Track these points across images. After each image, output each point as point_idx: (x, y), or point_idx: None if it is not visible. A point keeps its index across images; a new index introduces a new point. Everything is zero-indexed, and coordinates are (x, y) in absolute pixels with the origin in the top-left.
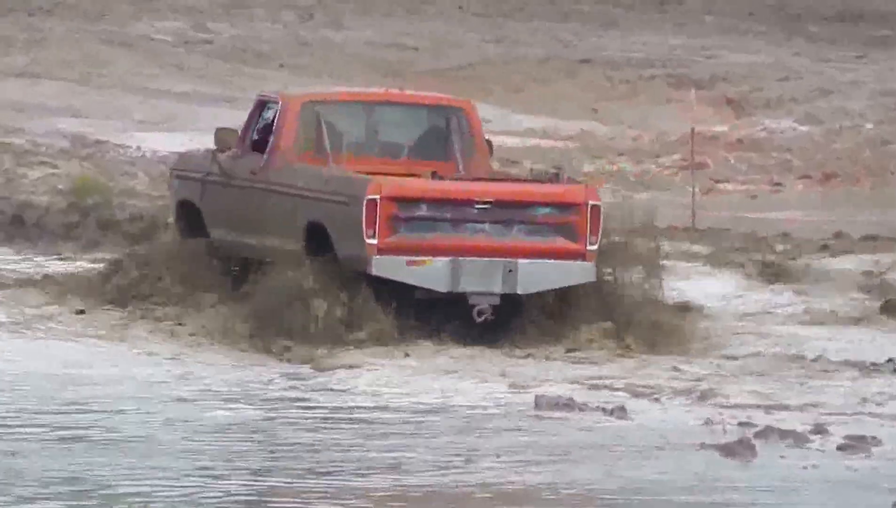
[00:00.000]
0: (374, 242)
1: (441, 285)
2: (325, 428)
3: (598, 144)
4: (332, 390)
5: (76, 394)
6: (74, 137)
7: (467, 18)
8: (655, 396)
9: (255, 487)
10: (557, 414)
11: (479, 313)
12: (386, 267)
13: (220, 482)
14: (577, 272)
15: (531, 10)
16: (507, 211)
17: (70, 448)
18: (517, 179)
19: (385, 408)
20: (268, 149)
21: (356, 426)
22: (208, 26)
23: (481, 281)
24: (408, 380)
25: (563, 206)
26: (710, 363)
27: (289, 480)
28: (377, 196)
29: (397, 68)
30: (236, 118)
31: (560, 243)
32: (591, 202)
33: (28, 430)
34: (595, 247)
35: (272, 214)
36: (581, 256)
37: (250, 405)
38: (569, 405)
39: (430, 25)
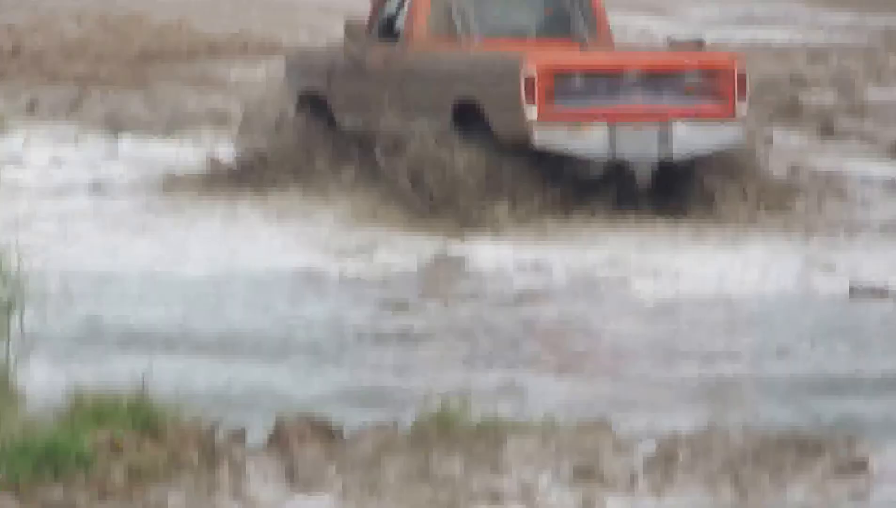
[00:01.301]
0: (534, 114)
1: (601, 152)
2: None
3: None
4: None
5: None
6: None
7: None
8: None
9: None
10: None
11: (639, 179)
12: (547, 138)
13: None
14: (728, 134)
15: None
16: (659, 79)
17: None
18: (659, 49)
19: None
20: (402, 35)
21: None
22: None
23: (638, 146)
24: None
25: (711, 71)
26: None
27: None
28: (535, 70)
29: None
30: None
31: (709, 106)
32: (737, 67)
33: None
34: (744, 111)
35: (415, 96)
36: (731, 117)
37: None
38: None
39: None
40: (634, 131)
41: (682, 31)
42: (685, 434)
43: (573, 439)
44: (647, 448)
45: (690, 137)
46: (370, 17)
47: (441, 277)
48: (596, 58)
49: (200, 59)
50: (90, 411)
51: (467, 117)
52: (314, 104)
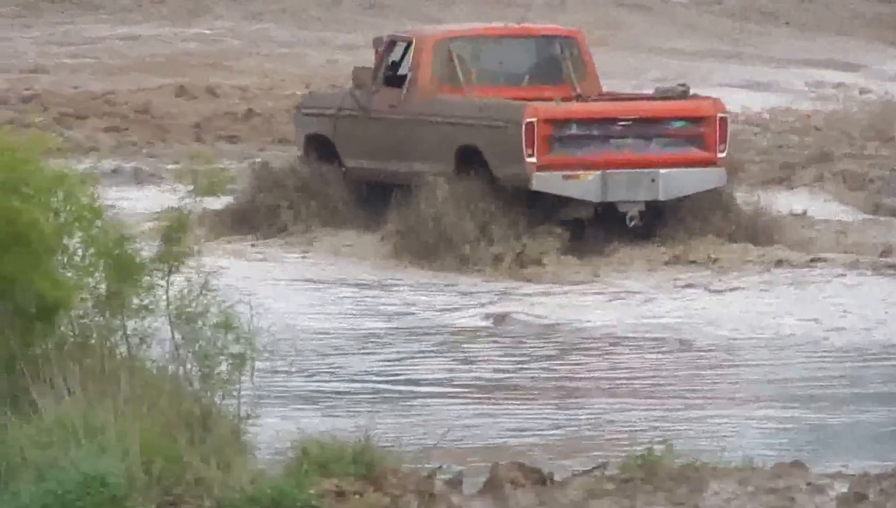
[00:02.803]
0: (534, 160)
1: (593, 196)
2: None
3: None
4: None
5: None
6: None
7: None
8: None
9: None
10: None
11: (630, 219)
12: (545, 182)
13: None
14: (710, 178)
15: None
16: (647, 126)
17: None
18: (650, 97)
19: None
20: (406, 83)
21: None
22: None
23: (628, 191)
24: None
25: (696, 119)
26: None
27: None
28: (535, 119)
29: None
30: (742, 74)
31: (694, 152)
32: (719, 114)
33: None
34: (724, 154)
35: (419, 141)
36: (713, 163)
37: None
38: None
39: None
40: (625, 177)
41: (874, 86)
42: (875, 474)
43: (769, 481)
44: (840, 488)
45: (676, 181)
46: (375, 64)
47: (566, 329)
48: (590, 108)
49: None
50: (315, 460)
51: (469, 162)
52: (321, 146)
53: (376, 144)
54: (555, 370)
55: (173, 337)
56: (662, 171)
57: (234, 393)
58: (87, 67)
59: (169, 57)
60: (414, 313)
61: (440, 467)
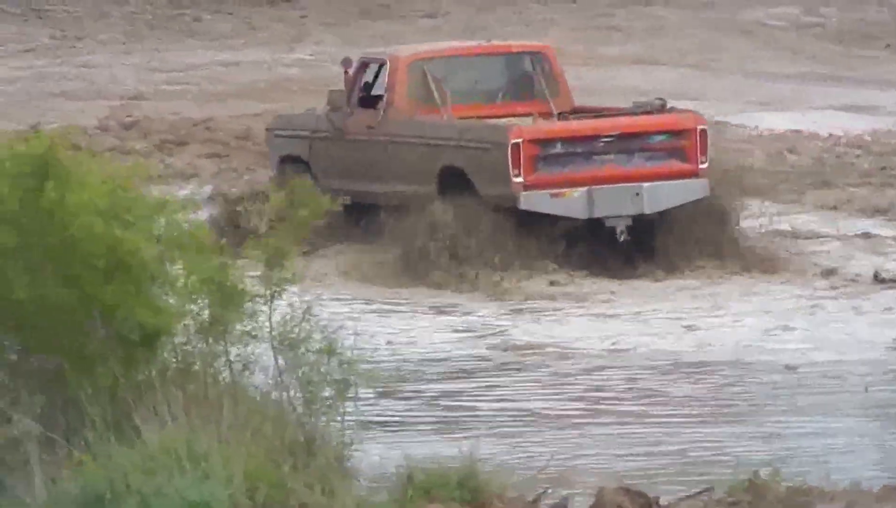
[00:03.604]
0: (521, 180)
1: (581, 213)
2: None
3: None
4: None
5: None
6: None
7: None
8: None
9: None
10: None
11: (620, 233)
12: (533, 201)
13: None
14: (693, 190)
15: None
16: (630, 141)
17: None
18: (630, 112)
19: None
20: (383, 104)
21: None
22: (820, 11)
23: (613, 206)
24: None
25: (677, 132)
26: None
27: None
28: (520, 139)
29: None
30: (843, 97)
31: (676, 165)
32: (699, 127)
33: None
34: (705, 165)
35: (400, 162)
36: (695, 174)
37: None
38: None
39: None
40: (610, 192)
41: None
42: None
43: (877, 503)
44: None
45: (660, 195)
46: (348, 87)
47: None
48: (574, 126)
49: None
50: (420, 486)
51: (451, 182)
52: (295, 166)
53: (354, 165)
54: (653, 393)
55: (276, 363)
56: (646, 184)
57: (338, 419)
58: (187, 94)
59: (269, 83)
60: (503, 336)
61: (545, 491)
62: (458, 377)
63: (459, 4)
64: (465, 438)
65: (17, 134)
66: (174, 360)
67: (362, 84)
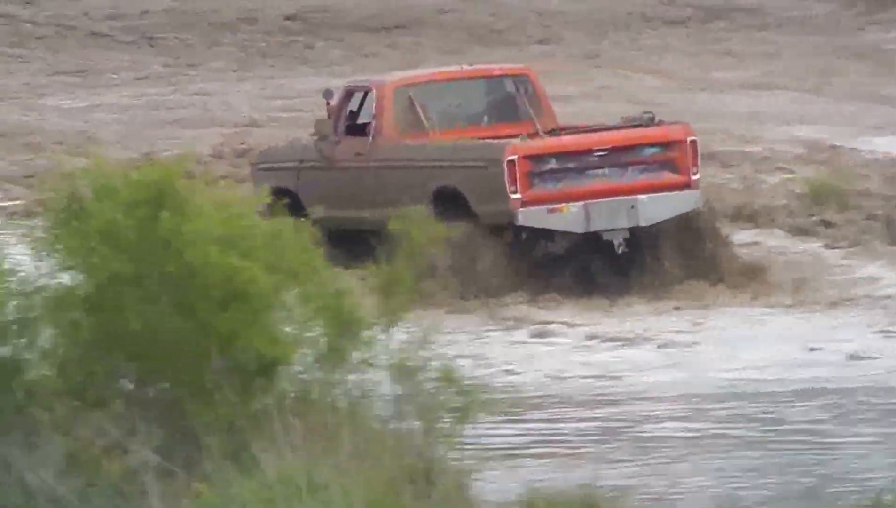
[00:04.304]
0: (518, 196)
1: (578, 228)
2: None
3: None
4: None
5: None
6: (809, 144)
7: None
8: None
9: None
10: None
11: (618, 246)
12: (530, 217)
13: None
14: (686, 201)
15: None
16: (622, 155)
17: None
18: (620, 126)
19: None
20: (371, 131)
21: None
22: None
23: (609, 219)
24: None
25: (667, 144)
26: None
27: None
28: (515, 156)
29: None
30: None
31: (668, 177)
32: (689, 138)
33: None
34: (697, 176)
35: (393, 186)
36: (687, 185)
37: None
38: None
39: None
40: (605, 206)
41: None
42: None
43: None
44: None
45: (654, 207)
46: (336, 114)
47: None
48: (567, 141)
49: None
50: None
51: (446, 203)
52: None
53: (345, 193)
54: (765, 417)
55: (395, 391)
56: (641, 197)
57: (458, 447)
58: (299, 121)
59: None
60: (612, 362)
61: None
62: (578, 405)
63: (572, 30)
64: (586, 464)
65: (131, 162)
66: (292, 389)
67: (348, 112)
